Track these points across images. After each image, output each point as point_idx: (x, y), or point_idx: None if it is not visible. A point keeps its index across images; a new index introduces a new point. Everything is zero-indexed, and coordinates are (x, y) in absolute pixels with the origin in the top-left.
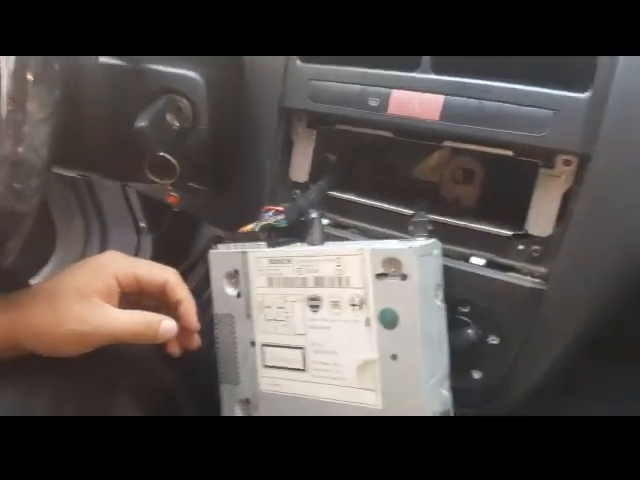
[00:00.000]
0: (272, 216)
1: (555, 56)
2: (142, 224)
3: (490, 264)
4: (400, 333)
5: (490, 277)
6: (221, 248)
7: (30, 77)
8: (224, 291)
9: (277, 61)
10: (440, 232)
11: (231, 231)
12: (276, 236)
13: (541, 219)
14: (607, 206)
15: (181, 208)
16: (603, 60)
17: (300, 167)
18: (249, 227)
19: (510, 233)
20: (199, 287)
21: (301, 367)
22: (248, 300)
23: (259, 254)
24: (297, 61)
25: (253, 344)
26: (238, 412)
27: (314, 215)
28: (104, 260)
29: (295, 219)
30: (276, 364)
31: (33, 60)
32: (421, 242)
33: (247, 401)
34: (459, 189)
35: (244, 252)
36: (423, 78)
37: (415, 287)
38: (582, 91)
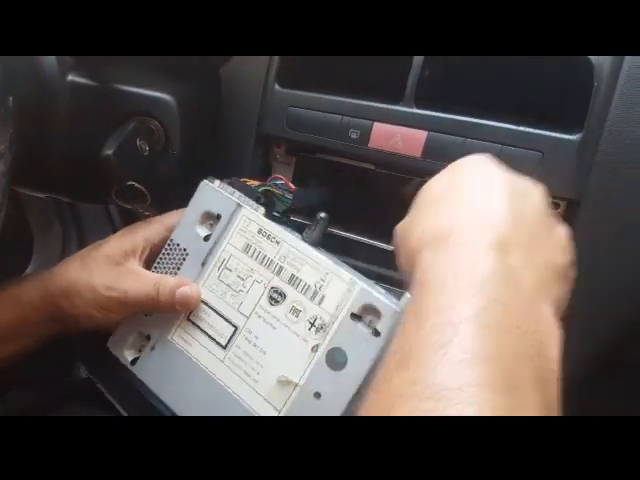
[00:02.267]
0: (281, 187)
1: (547, 90)
2: None
3: None
4: (338, 378)
5: None
6: (217, 184)
7: None
8: (194, 227)
9: (255, 85)
10: None
11: None
12: (272, 208)
13: None
14: (595, 254)
15: None
16: (596, 101)
17: None
18: (253, 182)
19: None
20: None
21: (223, 344)
22: (212, 250)
23: (253, 216)
24: (276, 86)
25: None
26: (129, 342)
27: (322, 215)
28: (134, 226)
29: (298, 207)
30: (201, 325)
31: None
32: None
33: (147, 337)
34: None
35: (239, 205)
36: (405, 112)
37: (379, 349)
38: (572, 133)
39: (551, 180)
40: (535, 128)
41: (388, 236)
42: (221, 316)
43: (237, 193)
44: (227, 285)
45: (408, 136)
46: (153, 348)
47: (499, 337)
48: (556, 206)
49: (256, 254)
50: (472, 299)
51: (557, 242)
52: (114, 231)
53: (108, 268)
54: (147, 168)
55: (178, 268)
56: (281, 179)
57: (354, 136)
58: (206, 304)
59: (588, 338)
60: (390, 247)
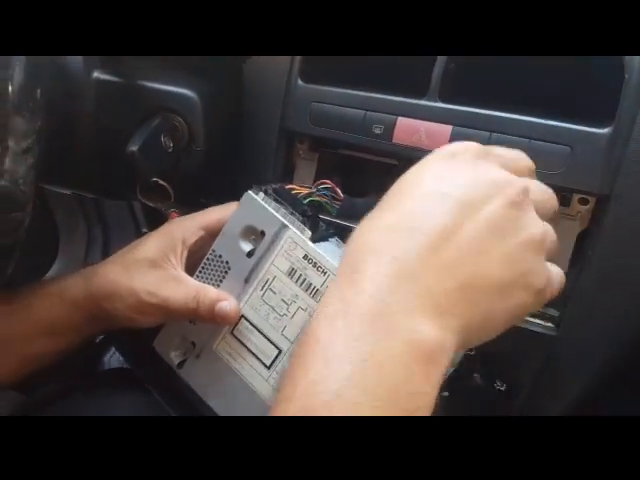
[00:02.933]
0: (328, 193)
1: (576, 83)
2: (144, 230)
3: None
4: None
5: None
6: (261, 197)
7: (9, 109)
8: (237, 240)
9: (278, 81)
10: None
11: None
12: (317, 214)
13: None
14: (625, 251)
15: None
16: (627, 93)
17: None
18: (300, 189)
19: None
20: None
21: (267, 364)
22: (256, 268)
23: (299, 240)
24: (299, 81)
25: None
26: (175, 345)
27: None
28: (171, 227)
29: (346, 216)
30: (245, 342)
31: (10, 90)
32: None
33: (192, 344)
34: None
35: (285, 225)
36: (430, 106)
37: None
38: (602, 127)
39: (580, 175)
40: (564, 122)
41: None
42: (265, 336)
43: (282, 210)
44: (271, 307)
45: (433, 131)
46: (198, 356)
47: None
48: (585, 202)
49: (301, 280)
50: (334, 376)
51: (507, 254)
52: (138, 229)
53: (150, 272)
54: (171, 164)
55: (220, 281)
56: (328, 184)
57: (378, 131)
58: (249, 322)
59: (614, 338)
60: None
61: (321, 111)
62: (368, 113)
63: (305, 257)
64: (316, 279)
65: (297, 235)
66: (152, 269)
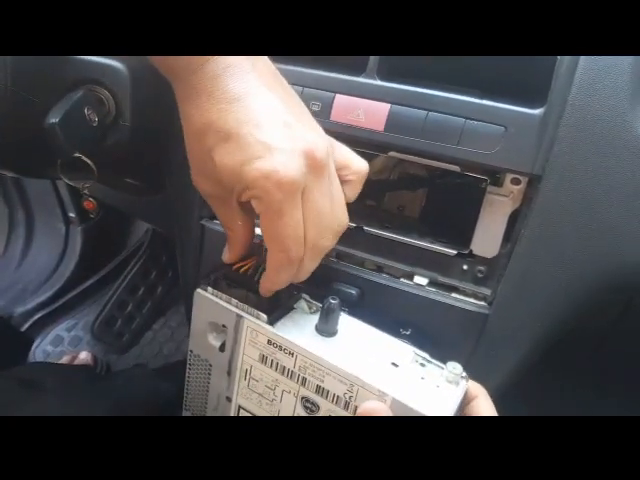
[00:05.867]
0: None
1: (510, 65)
2: (71, 214)
3: (433, 284)
4: None
5: (432, 299)
6: (210, 292)
7: None
8: (205, 337)
9: None
10: (384, 248)
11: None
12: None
13: (487, 239)
14: (555, 229)
15: (111, 206)
16: (559, 75)
17: None
18: (248, 265)
19: (454, 252)
20: (133, 284)
21: None
22: (232, 360)
23: (257, 327)
24: None
25: (229, 400)
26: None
27: (332, 301)
28: None
29: None
30: None
31: None
32: (454, 403)
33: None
34: (404, 195)
35: (239, 316)
36: (368, 84)
37: None
38: (535, 107)
39: (513, 155)
40: (498, 102)
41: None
42: None
43: (234, 300)
44: (259, 394)
45: (370, 109)
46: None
47: None
48: (517, 182)
49: (274, 365)
50: None
51: None
52: (64, 212)
53: None
54: (95, 140)
55: (208, 378)
56: None
57: (315, 108)
58: (247, 411)
59: (545, 314)
60: (351, 224)
61: None
62: (306, 89)
63: (269, 342)
64: (287, 361)
65: (254, 322)
66: None
